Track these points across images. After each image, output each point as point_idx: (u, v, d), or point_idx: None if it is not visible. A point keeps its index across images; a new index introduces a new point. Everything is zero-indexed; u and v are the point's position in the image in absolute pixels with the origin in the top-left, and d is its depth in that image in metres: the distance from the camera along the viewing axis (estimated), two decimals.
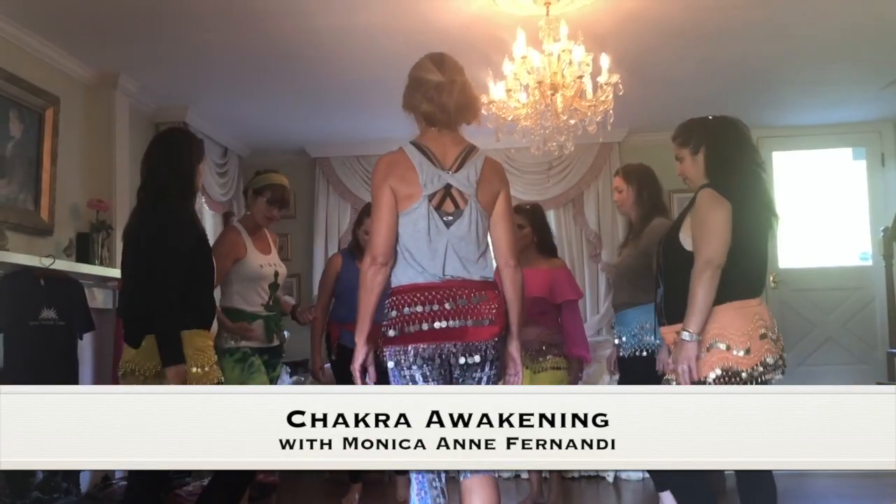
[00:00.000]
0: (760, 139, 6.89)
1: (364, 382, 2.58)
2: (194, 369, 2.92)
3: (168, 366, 2.86)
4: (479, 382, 2.59)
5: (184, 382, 2.87)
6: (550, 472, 4.64)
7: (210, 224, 6.66)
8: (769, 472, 2.97)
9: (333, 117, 6.50)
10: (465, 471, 2.58)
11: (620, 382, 4.07)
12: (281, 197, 4.04)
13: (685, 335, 2.76)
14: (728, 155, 2.93)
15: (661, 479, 3.81)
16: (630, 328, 3.86)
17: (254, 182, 4.07)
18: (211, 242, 3.42)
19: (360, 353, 2.57)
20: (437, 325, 2.48)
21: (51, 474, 4.10)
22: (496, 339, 2.56)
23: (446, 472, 2.53)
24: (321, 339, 4.84)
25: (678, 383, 2.81)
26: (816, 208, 7.20)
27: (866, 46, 5.21)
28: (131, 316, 3.02)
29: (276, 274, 4.04)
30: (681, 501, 3.09)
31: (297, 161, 7.41)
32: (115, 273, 4.87)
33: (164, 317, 2.89)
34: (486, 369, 2.58)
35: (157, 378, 2.90)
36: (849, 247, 7.24)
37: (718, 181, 2.89)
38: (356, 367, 2.57)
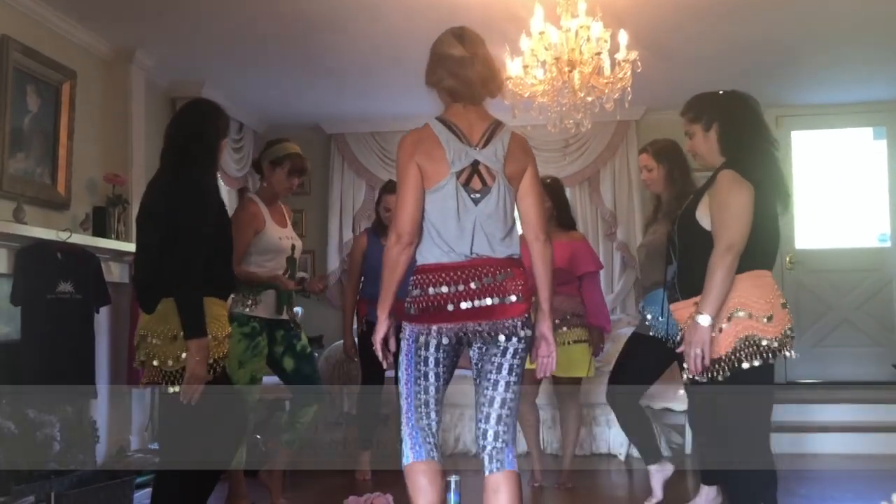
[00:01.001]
0: (780, 118, 6.83)
1: (386, 354, 2.59)
2: (208, 336, 2.91)
3: (191, 338, 2.83)
4: (499, 369, 2.54)
5: (207, 355, 2.86)
6: (565, 450, 4.66)
7: (225, 199, 6.66)
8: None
9: (349, 94, 6.48)
10: (489, 466, 2.56)
11: (629, 361, 4.06)
12: (301, 166, 4.04)
13: (701, 319, 2.71)
14: (743, 133, 2.88)
15: (712, 473, 3.79)
16: (660, 308, 3.76)
17: (270, 153, 4.03)
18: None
19: (382, 326, 2.59)
20: (463, 304, 2.47)
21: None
22: (525, 315, 2.53)
23: (439, 431, 2.57)
24: (352, 318, 4.90)
25: (688, 367, 2.78)
26: (835, 188, 7.13)
27: (888, 25, 5.13)
28: (146, 281, 3.01)
29: (294, 247, 4.07)
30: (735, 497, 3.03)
31: (313, 137, 7.40)
32: (132, 247, 4.88)
33: (189, 287, 2.87)
34: (515, 343, 2.53)
35: (172, 342, 2.88)
36: (867, 228, 7.16)
37: (738, 162, 2.84)
38: (378, 338, 2.58)
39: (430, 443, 2.55)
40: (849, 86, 6.47)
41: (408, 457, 2.54)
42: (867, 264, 7.02)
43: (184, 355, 2.86)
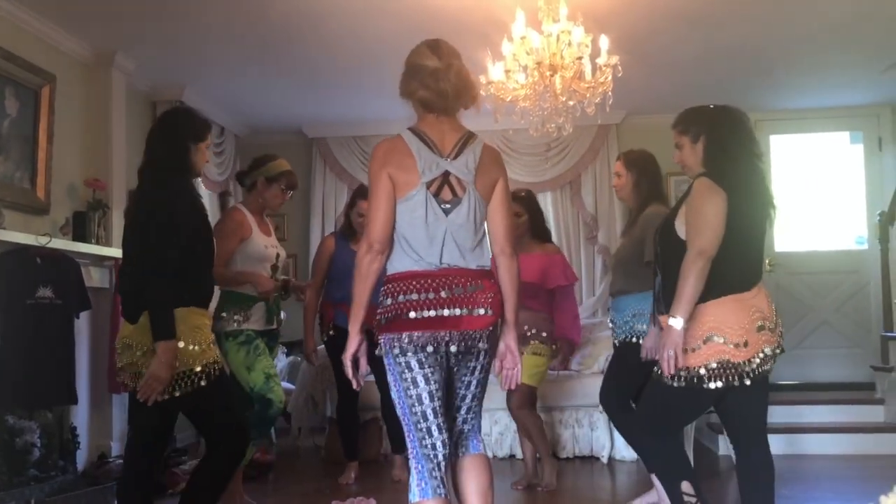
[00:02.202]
0: (758, 122, 6.89)
1: (355, 372, 2.57)
2: (191, 346, 2.93)
3: (159, 340, 2.85)
4: (472, 372, 2.61)
5: (174, 358, 2.87)
6: (540, 453, 4.67)
7: (206, 204, 6.63)
8: (768, 452, 2.99)
9: (331, 98, 6.48)
10: (462, 449, 2.62)
11: (612, 366, 4.10)
12: (295, 182, 4.25)
13: (673, 321, 2.78)
14: (727, 145, 2.93)
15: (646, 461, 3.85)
16: (623, 314, 3.92)
17: (266, 170, 4.13)
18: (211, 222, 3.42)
19: (353, 343, 2.55)
20: (431, 313, 2.46)
21: (48, 452, 4.11)
22: (491, 328, 2.55)
23: (446, 460, 2.53)
24: (314, 321, 4.87)
25: (661, 368, 2.84)
26: (813, 192, 7.21)
27: (865, 31, 5.20)
28: (130, 291, 3.02)
29: (278, 256, 4.12)
30: (662, 481, 3.13)
31: (295, 141, 7.39)
32: (112, 252, 4.87)
33: (157, 291, 2.88)
34: (481, 358, 2.60)
35: (153, 354, 2.89)
36: (845, 230, 7.25)
37: (715, 170, 2.89)
38: (348, 356, 2.55)
39: (436, 477, 2.50)
40: (826, 91, 6.55)
41: (414, 493, 2.50)
42: (845, 266, 7.11)
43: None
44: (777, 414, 5.88)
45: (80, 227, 4.92)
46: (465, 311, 2.49)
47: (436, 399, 2.51)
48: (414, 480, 2.51)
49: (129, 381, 3.00)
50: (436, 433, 2.50)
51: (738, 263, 2.86)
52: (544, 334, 4.49)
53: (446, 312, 2.48)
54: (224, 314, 3.95)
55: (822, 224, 7.23)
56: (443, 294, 2.48)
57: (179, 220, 2.97)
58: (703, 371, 2.79)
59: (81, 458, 4.67)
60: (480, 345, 2.55)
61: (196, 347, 2.94)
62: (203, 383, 2.95)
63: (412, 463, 2.54)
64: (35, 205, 4.65)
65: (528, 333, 4.43)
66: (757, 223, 2.95)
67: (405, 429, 2.55)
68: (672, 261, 2.89)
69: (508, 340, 2.63)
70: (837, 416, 5.90)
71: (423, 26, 4.69)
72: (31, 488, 3.80)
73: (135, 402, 3.02)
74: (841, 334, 7.03)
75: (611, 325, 4.05)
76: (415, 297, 2.48)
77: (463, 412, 2.65)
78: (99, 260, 4.98)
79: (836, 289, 7.07)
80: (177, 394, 2.92)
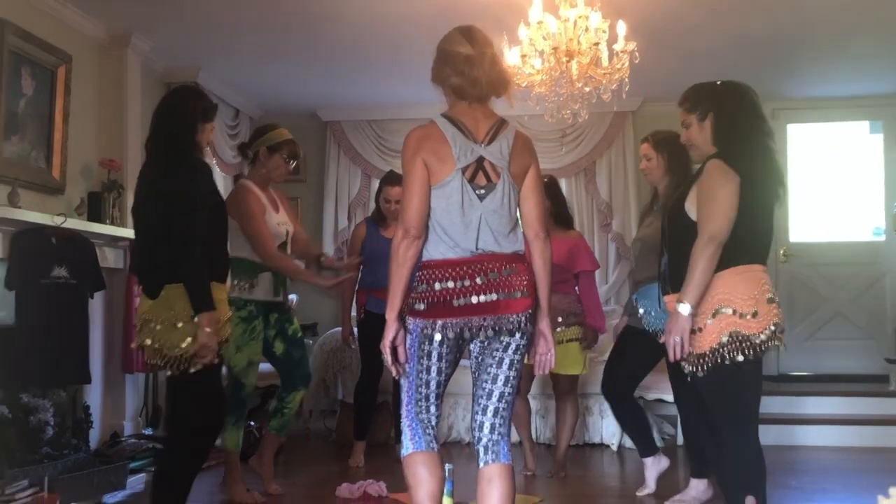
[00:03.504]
0: (776, 111, 6.82)
1: (394, 360, 2.56)
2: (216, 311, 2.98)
3: (200, 311, 2.92)
4: (510, 362, 2.56)
5: (217, 328, 2.96)
6: (560, 441, 4.68)
7: (221, 187, 6.64)
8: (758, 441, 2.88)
9: (346, 81, 6.45)
10: (484, 457, 2.57)
11: (617, 353, 4.09)
12: (297, 151, 4.14)
13: (681, 307, 2.73)
14: (736, 123, 2.86)
15: (701, 465, 3.85)
16: (656, 302, 3.74)
17: (266, 139, 4.07)
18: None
19: (391, 330, 2.54)
20: (468, 300, 2.47)
21: (61, 430, 4.14)
22: (529, 311, 2.54)
23: (437, 422, 2.58)
24: (350, 307, 4.92)
25: (668, 355, 2.80)
26: (830, 182, 7.13)
27: (887, 18, 5.13)
28: (150, 266, 3.05)
29: (287, 233, 4.10)
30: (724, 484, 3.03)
31: (309, 124, 7.38)
32: (126, 233, 4.89)
33: (192, 263, 2.94)
34: (518, 339, 2.56)
35: (174, 329, 2.95)
36: (862, 221, 7.17)
37: (727, 151, 2.83)
38: (386, 344, 2.54)
39: (429, 434, 2.56)
40: (846, 79, 6.47)
41: (407, 447, 2.54)
42: (861, 258, 7.03)
43: (186, 341, 2.92)
44: (788, 405, 5.88)
45: (94, 208, 4.94)
46: (501, 295, 2.50)
47: (443, 375, 2.57)
48: (407, 436, 2.56)
49: (154, 359, 3.03)
50: (433, 406, 2.58)
51: (747, 239, 2.80)
52: (577, 315, 4.52)
53: (482, 298, 2.48)
54: (230, 281, 3.88)
55: (839, 215, 7.15)
56: (478, 280, 2.49)
57: (202, 195, 3.03)
58: (718, 348, 2.71)
59: (94, 437, 4.71)
60: (520, 328, 2.52)
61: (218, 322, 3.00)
62: (216, 361, 3.01)
63: (405, 423, 2.57)
64: (50, 184, 4.67)
65: (564, 316, 4.46)
66: (767, 203, 2.88)
67: (405, 397, 2.58)
68: (680, 241, 2.85)
69: (542, 325, 2.62)
70: (849, 408, 5.87)
71: (441, 10, 4.67)
72: (44, 466, 3.82)
73: (172, 384, 3.10)
74: (855, 326, 6.96)
75: (641, 313, 3.92)
76: (451, 284, 2.49)
77: (490, 414, 2.56)
78: (113, 240, 5.00)
79: (851, 280, 7.00)
80: (191, 370, 2.97)
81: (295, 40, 5.50)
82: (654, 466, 4.15)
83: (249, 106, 7.05)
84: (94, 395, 4.82)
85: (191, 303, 2.93)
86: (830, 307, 7.00)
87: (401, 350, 2.56)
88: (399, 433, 4.99)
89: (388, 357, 2.55)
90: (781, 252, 6.91)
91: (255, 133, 4.19)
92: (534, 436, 5.45)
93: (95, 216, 4.90)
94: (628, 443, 5.45)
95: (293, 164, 4.12)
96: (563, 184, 7.11)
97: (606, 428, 5.53)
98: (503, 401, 2.58)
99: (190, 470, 3.14)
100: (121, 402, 5.13)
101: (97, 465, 4.11)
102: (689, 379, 2.87)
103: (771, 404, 5.26)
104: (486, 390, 2.58)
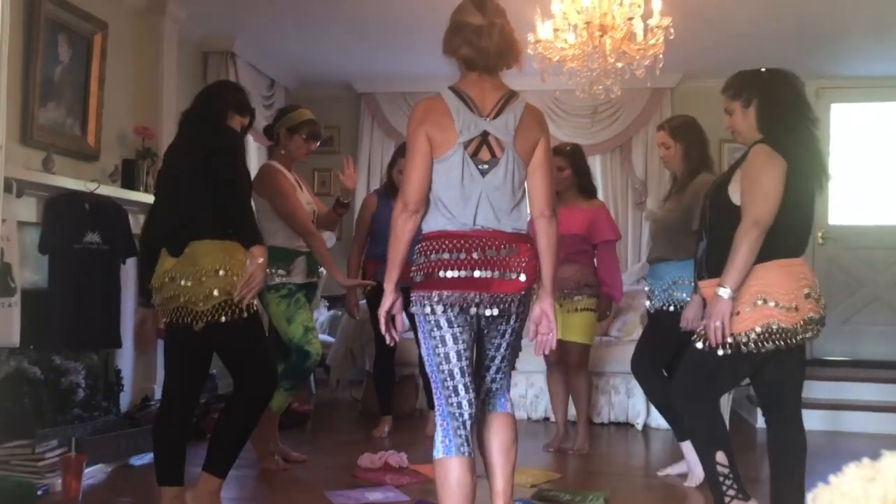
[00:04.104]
0: (820, 90, 6.66)
1: (389, 328, 2.57)
2: (235, 277, 3.06)
3: (252, 245, 3.06)
4: (503, 335, 2.61)
5: (266, 262, 3.09)
6: (578, 416, 4.66)
7: (255, 157, 6.69)
8: (802, 426, 2.93)
9: (381, 53, 6.43)
10: (489, 407, 2.65)
11: (647, 335, 4.05)
12: (317, 132, 4.19)
13: (722, 291, 2.71)
14: (781, 110, 2.84)
15: (680, 430, 3.85)
16: (662, 282, 3.86)
17: (287, 120, 4.14)
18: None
19: (388, 299, 2.55)
20: (462, 273, 2.46)
21: (92, 393, 4.23)
22: (522, 293, 2.53)
23: (472, 419, 2.54)
24: (357, 277, 4.94)
25: (707, 340, 2.78)
26: (873, 164, 6.96)
27: None
28: (177, 224, 3.13)
29: (314, 212, 4.15)
30: (697, 449, 3.08)
31: (343, 95, 7.38)
32: None
33: (239, 207, 3.10)
34: (511, 321, 2.58)
35: (200, 283, 3.02)
36: None
37: (773, 138, 2.80)
38: (382, 312, 2.56)
39: (461, 436, 2.51)
40: (892, 58, 6.28)
41: (438, 450, 2.51)
42: None
43: (215, 292, 3.03)
44: (822, 389, 5.77)
45: (128, 175, 4.99)
46: (497, 273, 2.48)
47: (464, 359, 2.51)
48: (439, 437, 2.53)
49: (169, 316, 3.11)
50: (462, 392, 2.51)
51: (788, 231, 2.78)
52: (592, 287, 4.49)
53: (477, 274, 2.46)
54: (267, 269, 3.98)
55: (880, 197, 6.98)
56: (475, 255, 2.47)
57: (241, 161, 3.22)
58: (748, 337, 2.72)
59: (125, 400, 4.81)
60: (512, 309, 2.53)
61: (238, 279, 3.06)
62: (245, 315, 3.08)
63: (438, 420, 2.56)
64: (85, 151, 4.73)
65: (576, 287, 4.44)
66: (809, 192, 2.86)
67: (433, 386, 2.58)
68: (721, 225, 2.83)
69: (545, 305, 2.60)
70: (885, 395, 5.76)
71: None
72: (74, 427, 3.91)
73: (170, 342, 3.19)
74: (893, 311, 6.82)
75: (647, 291, 3.99)
76: (446, 256, 2.48)
77: (492, 372, 2.66)
78: (146, 208, 5.04)
79: (891, 265, 6.85)
80: (223, 319, 3.04)
81: (332, 11, 5.48)
82: (691, 450, 4.08)
83: (284, 76, 7.06)
84: (125, 360, 4.90)
85: (246, 237, 3.07)
86: (868, 291, 6.86)
87: (398, 318, 2.58)
88: (429, 399, 5.05)
89: (384, 325, 2.56)
90: (819, 235, 6.77)
91: (278, 114, 4.27)
92: (545, 413, 5.49)
93: (129, 183, 4.96)
94: (653, 422, 5.42)
95: (313, 145, 4.18)
96: (597, 160, 7.08)
97: (633, 407, 5.50)
98: (504, 361, 2.67)
99: (259, 412, 3.23)
100: (152, 366, 5.22)
101: (126, 428, 4.19)
102: (697, 350, 2.85)
103: (807, 389, 5.18)
104: (490, 355, 2.65)
